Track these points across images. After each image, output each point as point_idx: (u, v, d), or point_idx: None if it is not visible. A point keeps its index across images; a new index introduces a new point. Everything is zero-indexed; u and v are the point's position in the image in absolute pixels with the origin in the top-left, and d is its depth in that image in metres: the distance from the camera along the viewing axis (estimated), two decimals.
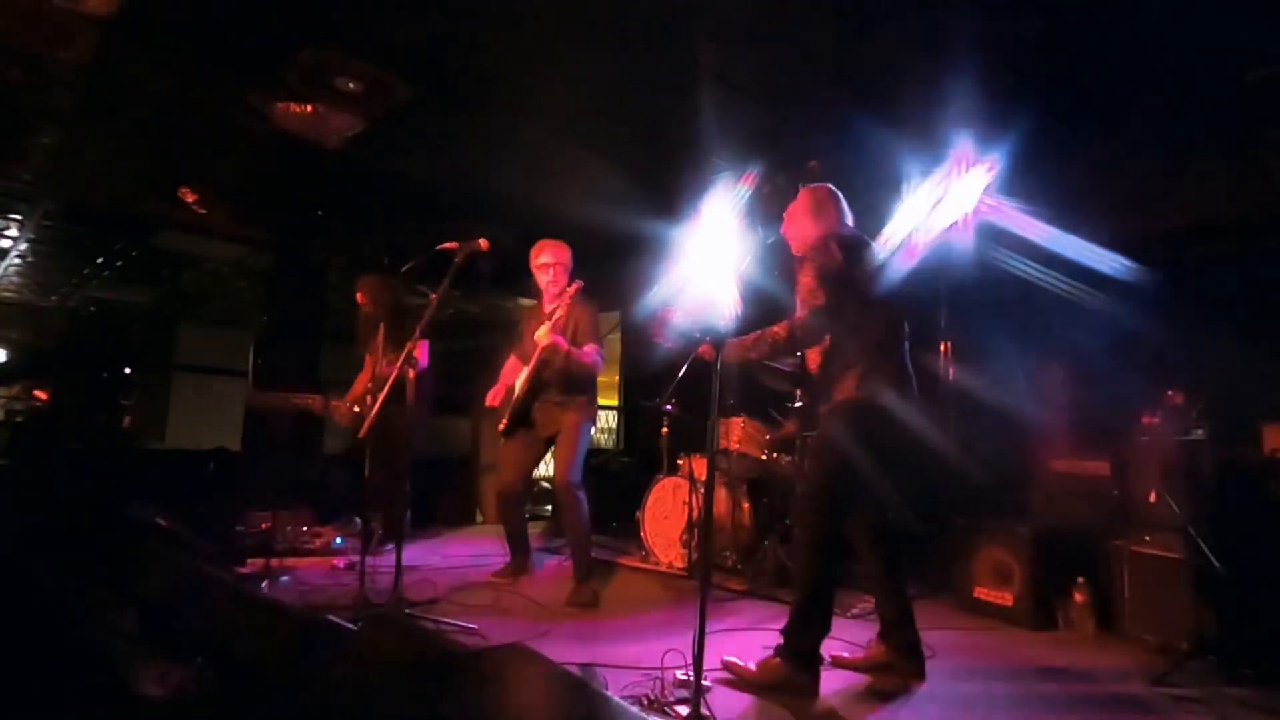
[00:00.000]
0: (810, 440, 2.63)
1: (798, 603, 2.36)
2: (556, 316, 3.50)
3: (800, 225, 2.65)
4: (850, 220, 2.68)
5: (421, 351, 4.37)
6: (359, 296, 4.56)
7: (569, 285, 3.64)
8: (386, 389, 3.10)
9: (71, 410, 7.67)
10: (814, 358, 2.58)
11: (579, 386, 3.62)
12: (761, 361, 2.66)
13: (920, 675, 2.42)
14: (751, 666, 2.36)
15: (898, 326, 2.52)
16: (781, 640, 2.35)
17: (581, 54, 3.28)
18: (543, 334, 3.41)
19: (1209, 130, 3.56)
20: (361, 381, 4.41)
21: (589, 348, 3.55)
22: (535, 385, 3.60)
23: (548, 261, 3.66)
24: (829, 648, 2.67)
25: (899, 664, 2.44)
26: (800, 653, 2.31)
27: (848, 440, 2.35)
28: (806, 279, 2.41)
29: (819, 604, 2.34)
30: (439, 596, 3.38)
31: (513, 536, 3.85)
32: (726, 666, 2.40)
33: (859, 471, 2.35)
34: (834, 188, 2.72)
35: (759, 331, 2.44)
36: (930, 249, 4.20)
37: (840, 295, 2.37)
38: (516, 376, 3.74)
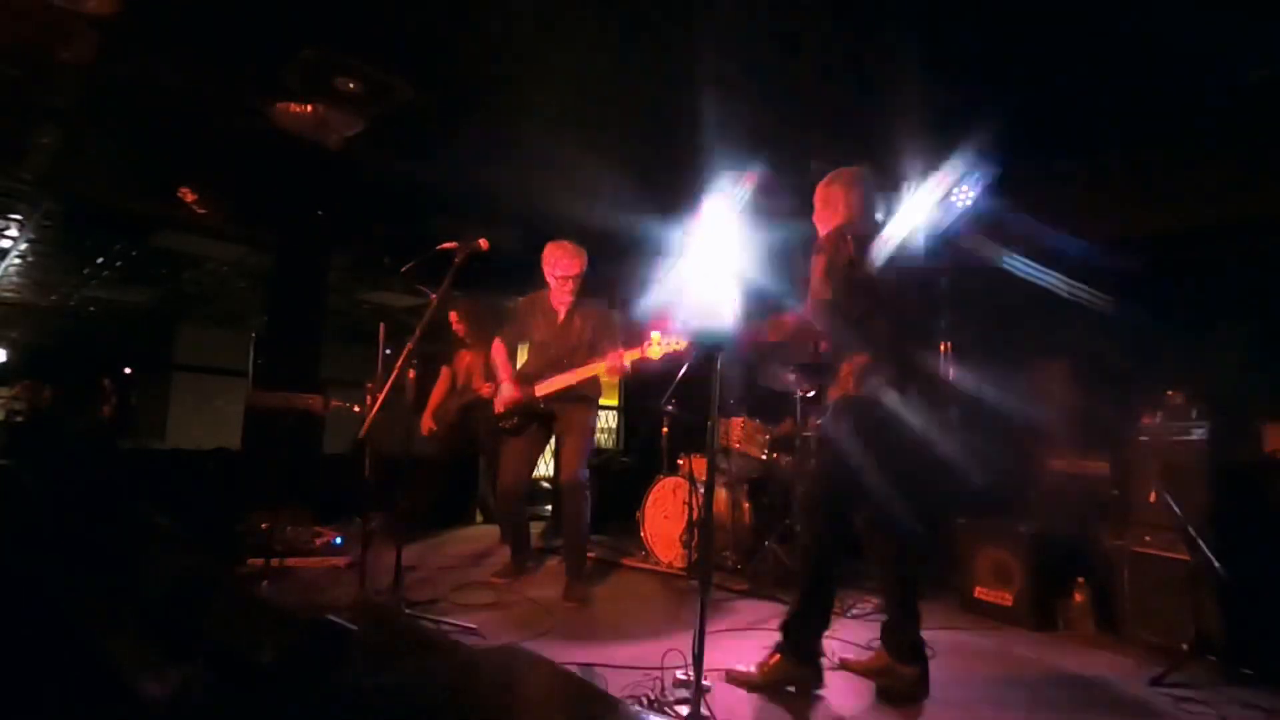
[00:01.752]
0: (813, 438, 2.61)
1: (797, 598, 2.37)
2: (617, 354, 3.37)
3: (819, 214, 2.59)
4: (876, 209, 2.57)
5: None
6: (454, 321, 4.73)
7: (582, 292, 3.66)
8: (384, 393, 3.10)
9: (71, 410, 7.66)
10: (827, 347, 2.60)
11: (589, 384, 3.60)
12: (779, 345, 2.65)
13: (918, 681, 2.34)
14: (752, 669, 2.36)
15: (907, 328, 2.42)
16: (781, 635, 2.35)
17: (582, 53, 3.28)
18: (618, 363, 3.33)
19: (1210, 130, 3.56)
20: (439, 394, 4.85)
21: (624, 353, 3.37)
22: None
23: (566, 275, 3.57)
24: (834, 649, 2.68)
25: (895, 670, 2.39)
26: (800, 647, 2.32)
27: (844, 437, 2.34)
28: (816, 269, 2.38)
29: (818, 601, 2.35)
30: (439, 596, 3.38)
31: (513, 535, 3.85)
32: (730, 678, 2.38)
33: (857, 469, 2.33)
34: (863, 172, 2.59)
35: (775, 318, 2.48)
36: (929, 248, 4.20)
37: (846, 291, 2.34)
38: (505, 363, 3.75)
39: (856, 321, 2.37)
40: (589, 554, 3.94)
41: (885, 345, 2.36)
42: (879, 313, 2.37)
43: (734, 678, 2.38)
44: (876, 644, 2.52)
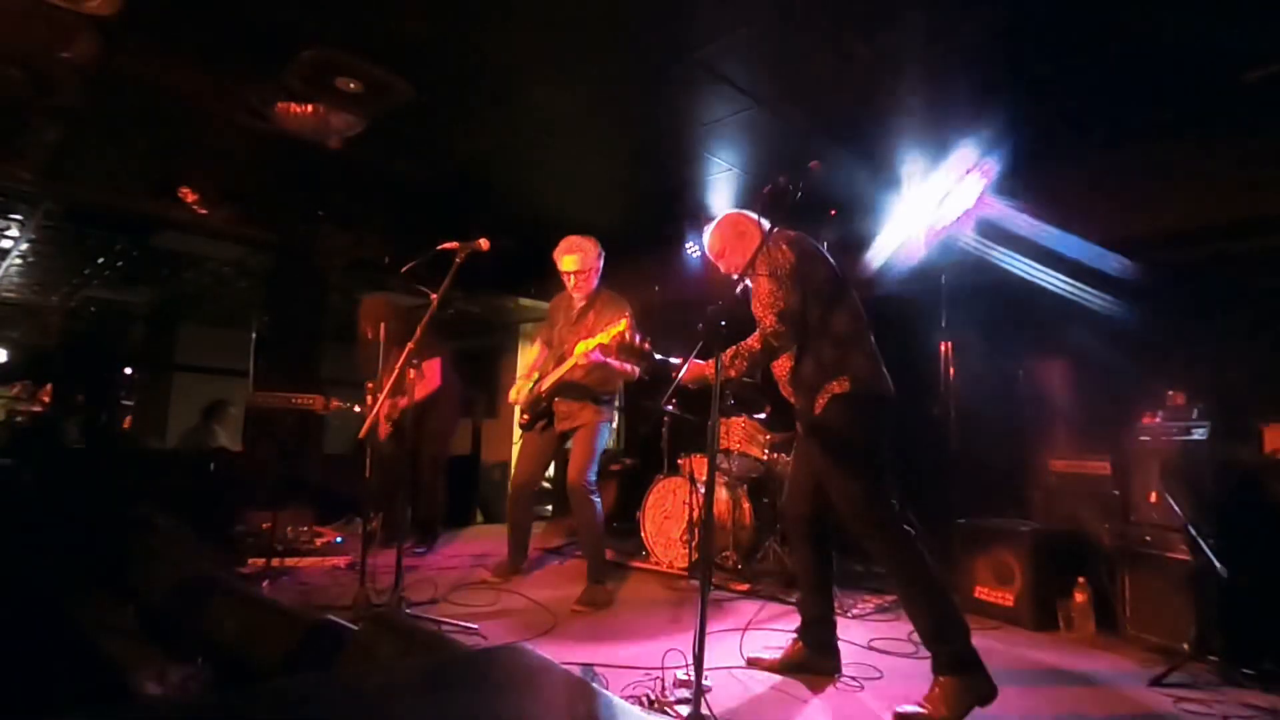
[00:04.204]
0: (810, 452, 2.43)
1: (925, 621, 2.18)
2: (608, 335, 3.14)
3: (732, 254, 2.60)
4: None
5: (433, 371, 4.37)
6: (361, 321, 4.46)
7: (596, 283, 3.58)
8: (386, 392, 3.10)
9: (72, 410, 7.66)
10: (783, 365, 2.48)
11: (599, 383, 3.53)
12: (741, 378, 2.53)
13: (837, 671, 2.47)
14: (928, 708, 2.10)
15: (860, 319, 2.45)
16: (936, 661, 2.15)
17: (582, 53, 3.27)
18: (584, 348, 3.20)
19: (1209, 130, 3.55)
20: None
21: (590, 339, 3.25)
22: (563, 384, 3.50)
23: (570, 270, 3.52)
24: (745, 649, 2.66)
25: (814, 663, 2.48)
26: (960, 658, 2.11)
27: (856, 431, 2.28)
28: (762, 286, 2.37)
29: (939, 604, 2.17)
30: (439, 596, 3.38)
31: (517, 533, 3.82)
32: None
33: (877, 458, 2.28)
34: (743, 211, 2.67)
35: (734, 347, 2.36)
36: (930, 248, 4.21)
37: (802, 293, 2.36)
38: (531, 363, 3.74)
39: (820, 322, 2.37)
40: None
41: (852, 339, 2.37)
42: (837, 309, 2.40)
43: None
44: (790, 642, 2.55)
